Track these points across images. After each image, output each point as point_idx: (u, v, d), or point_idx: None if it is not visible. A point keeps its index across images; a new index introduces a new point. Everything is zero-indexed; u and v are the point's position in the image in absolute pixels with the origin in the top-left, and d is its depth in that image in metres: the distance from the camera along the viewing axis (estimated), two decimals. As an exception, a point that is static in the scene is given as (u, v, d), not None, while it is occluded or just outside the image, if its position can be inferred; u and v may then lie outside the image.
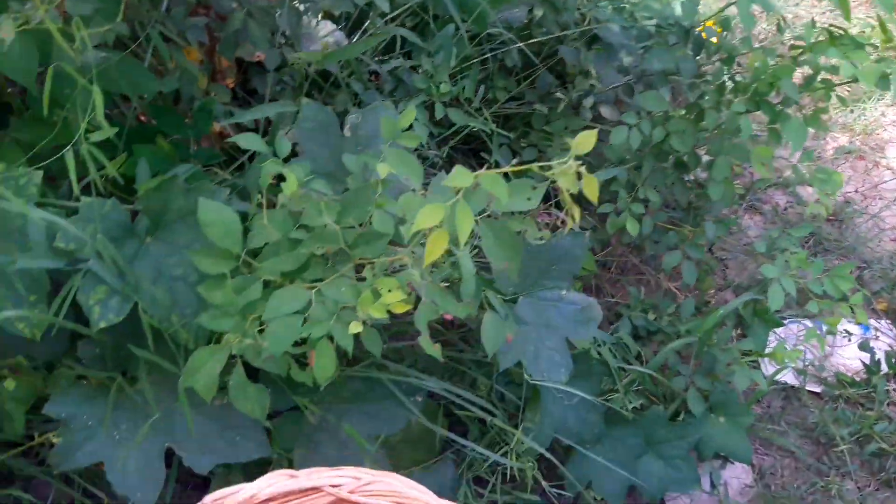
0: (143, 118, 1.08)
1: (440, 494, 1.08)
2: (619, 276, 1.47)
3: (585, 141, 0.51)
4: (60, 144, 0.84)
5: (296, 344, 0.67)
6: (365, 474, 0.54)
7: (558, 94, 1.46)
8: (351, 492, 0.53)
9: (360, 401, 1.01)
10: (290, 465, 0.96)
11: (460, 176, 0.50)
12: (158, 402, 0.86)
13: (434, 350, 0.69)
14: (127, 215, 0.80)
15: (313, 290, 0.66)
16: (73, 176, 0.71)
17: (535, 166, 0.53)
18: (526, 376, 0.91)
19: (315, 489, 0.53)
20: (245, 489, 0.53)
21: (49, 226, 0.77)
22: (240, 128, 1.02)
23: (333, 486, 0.53)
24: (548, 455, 1.00)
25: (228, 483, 0.96)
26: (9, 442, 1.02)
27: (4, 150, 0.91)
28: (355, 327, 0.64)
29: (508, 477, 1.10)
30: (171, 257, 0.81)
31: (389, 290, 0.62)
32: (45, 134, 0.89)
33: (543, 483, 1.04)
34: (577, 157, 0.51)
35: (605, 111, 1.44)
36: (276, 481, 0.54)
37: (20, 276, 0.78)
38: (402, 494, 0.55)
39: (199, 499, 1.05)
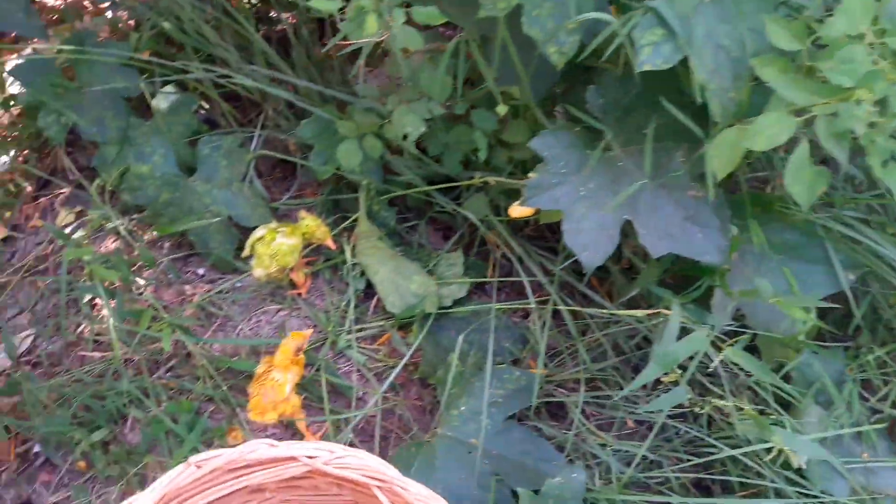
0: None
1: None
2: None
3: None
4: None
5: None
6: (339, 449, 0.55)
7: None
8: (325, 463, 0.54)
9: (789, 254, 0.94)
10: (706, 297, 0.93)
11: None
12: (638, 171, 0.85)
13: None
14: (699, -34, 0.76)
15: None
16: None
17: None
18: None
19: (292, 458, 0.55)
20: (227, 453, 0.54)
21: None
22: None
23: (310, 458, 0.55)
24: None
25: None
26: (437, 179, 1.08)
27: None
28: None
29: None
30: (724, 24, 0.76)
31: None
32: None
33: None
34: None
35: None
36: (256, 448, 0.55)
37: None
38: (372, 469, 0.55)
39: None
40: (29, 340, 1.17)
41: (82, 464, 1.03)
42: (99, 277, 1.05)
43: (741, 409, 0.96)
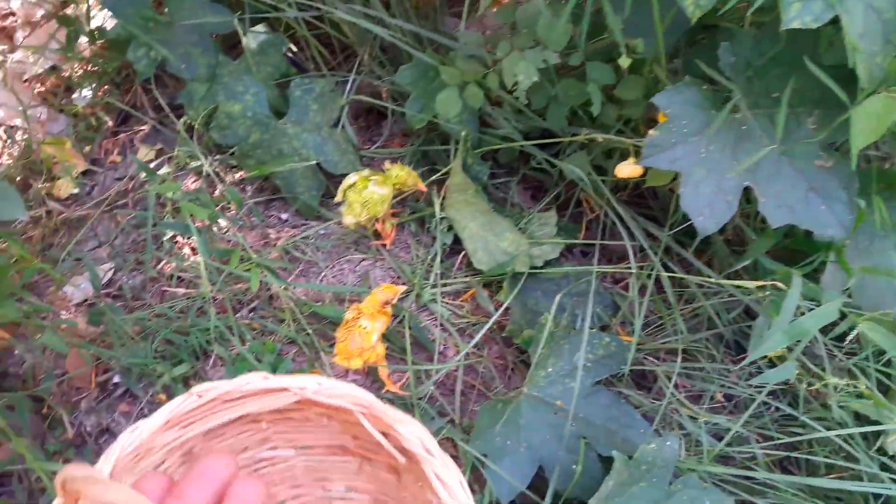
0: None
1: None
2: None
3: None
4: None
5: None
6: (326, 381, 0.60)
7: None
8: (314, 393, 0.59)
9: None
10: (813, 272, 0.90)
11: None
12: (764, 136, 0.81)
13: None
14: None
15: None
16: None
17: None
18: None
19: (284, 389, 0.60)
20: (224, 384, 0.59)
21: None
22: None
23: (299, 388, 0.59)
24: None
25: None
26: (534, 134, 1.05)
27: None
28: None
29: None
30: (878, -17, 0.72)
31: None
32: None
33: None
34: None
35: None
36: (251, 380, 0.59)
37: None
38: (355, 397, 0.59)
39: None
40: (109, 273, 1.18)
41: (163, 397, 1.04)
42: (189, 213, 1.04)
43: (837, 389, 0.94)
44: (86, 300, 1.16)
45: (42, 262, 1.20)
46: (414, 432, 0.58)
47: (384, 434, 0.60)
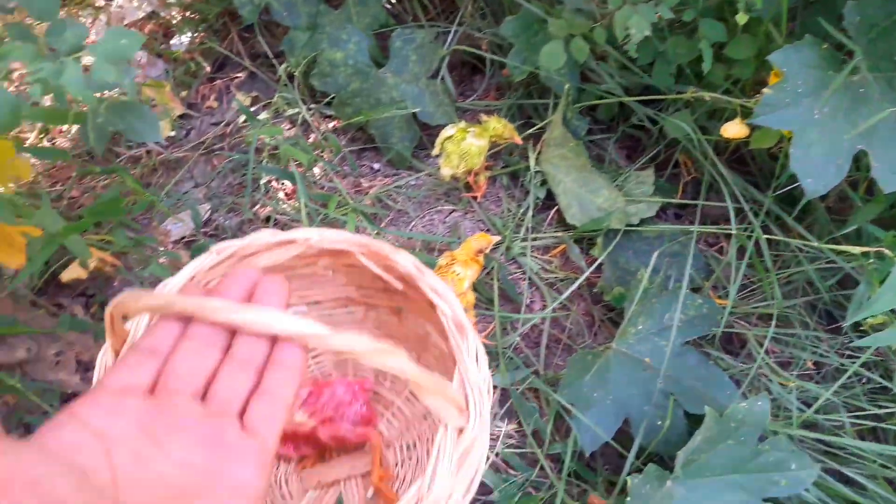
0: None
1: None
2: None
3: None
4: None
5: None
6: (326, 231, 0.67)
7: None
8: (318, 241, 0.66)
9: None
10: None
11: None
12: (882, 99, 0.80)
13: None
14: None
15: None
16: None
17: None
18: None
19: (291, 241, 0.67)
20: (239, 241, 0.65)
21: None
22: None
23: (304, 238, 0.66)
24: None
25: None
26: (635, 91, 1.04)
27: None
28: None
29: None
30: None
31: None
32: None
33: None
34: None
35: None
36: (263, 236, 0.66)
37: None
38: (352, 240, 0.66)
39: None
40: (206, 214, 1.22)
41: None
42: (289, 158, 1.07)
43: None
44: (183, 237, 1.21)
45: (143, 199, 1.25)
46: (408, 259, 0.65)
47: (382, 268, 0.67)
